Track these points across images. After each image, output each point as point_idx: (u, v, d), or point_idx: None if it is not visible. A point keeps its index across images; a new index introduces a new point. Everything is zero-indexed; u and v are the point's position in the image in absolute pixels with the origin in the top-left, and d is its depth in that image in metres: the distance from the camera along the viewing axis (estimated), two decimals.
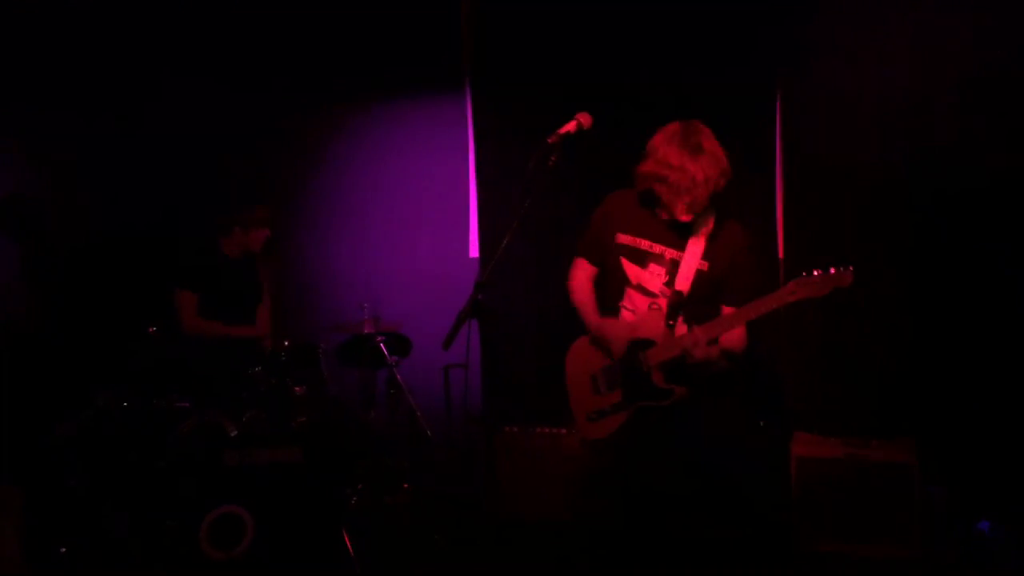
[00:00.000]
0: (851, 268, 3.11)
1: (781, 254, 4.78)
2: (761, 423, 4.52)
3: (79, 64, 5.46)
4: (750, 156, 4.80)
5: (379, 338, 4.96)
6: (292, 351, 4.61)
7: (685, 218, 3.29)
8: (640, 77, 4.90)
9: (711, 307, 3.35)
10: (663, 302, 3.37)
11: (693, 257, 3.35)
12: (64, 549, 4.14)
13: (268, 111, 5.64)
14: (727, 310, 3.32)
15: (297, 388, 4.56)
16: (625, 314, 3.45)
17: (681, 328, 3.36)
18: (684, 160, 3.22)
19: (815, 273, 3.14)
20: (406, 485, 4.85)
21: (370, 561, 4.15)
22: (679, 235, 3.37)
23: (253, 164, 5.60)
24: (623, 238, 3.44)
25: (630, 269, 3.43)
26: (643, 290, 3.42)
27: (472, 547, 4.42)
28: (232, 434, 4.25)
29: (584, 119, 3.45)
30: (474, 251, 5.39)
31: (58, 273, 5.37)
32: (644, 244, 3.41)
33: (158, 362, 4.58)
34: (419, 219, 5.55)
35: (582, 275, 3.60)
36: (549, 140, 3.41)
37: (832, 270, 3.12)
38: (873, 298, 4.61)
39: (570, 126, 3.43)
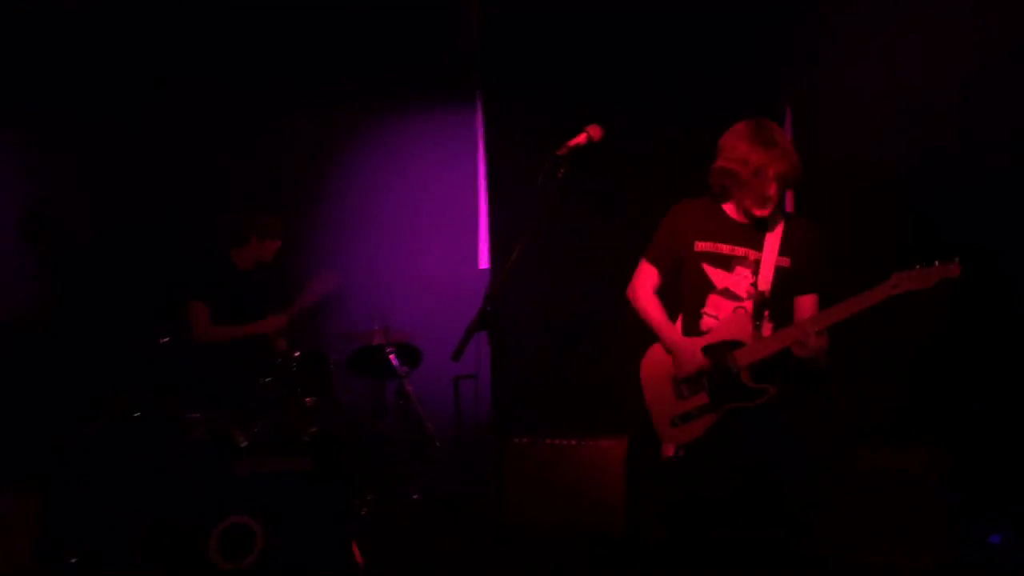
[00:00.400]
0: (956, 260, 3.09)
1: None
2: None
3: (95, 73, 5.51)
4: None
5: (389, 349, 4.98)
6: (302, 361, 4.63)
7: (761, 213, 3.31)
8: (649, 83, 4.92)
9: (788, 303, 3.39)
10: (749, 304, 3.36)
11: (771, 255, 3.36)
12: (75, 559, 4.16)
13: (280, 121, 5.67)
14: (805, 299, 3.36)
15: (307, 398, 4.58)
16: (707, 320, 3.43)
17: (767, 327, 3.36)
18: (758, 154, 3.25)
19: (916, 267, 3.14)
20: (416, 495, 4.86)
21: (379, 571, 4.15)
22: (756, 235, 3.39)
23: (265, 175, 5.64)
24: (703, 245, 3.43)
25: (715, 274, 3.42)
26: (730, 294, 3.40)
27: (481, 557, 4.42)
28: (242, 444, 4.26)
29: (594, 131, 3.46)
30: (484, 262, 5.40)
31: (73, 282, 5.41)
32: (725, 248, 3.41)
33: (170, 371, 4.60)
34: (429, 230, 5.57)
35: (649, 284, 3.54)
36: (559, 153, 3.42)
37: (936, 263, 3.11)
38: (886, 305, 4.59)
39: (580, 139, 3.44)
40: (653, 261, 3.55)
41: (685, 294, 3.49)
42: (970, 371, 4.39)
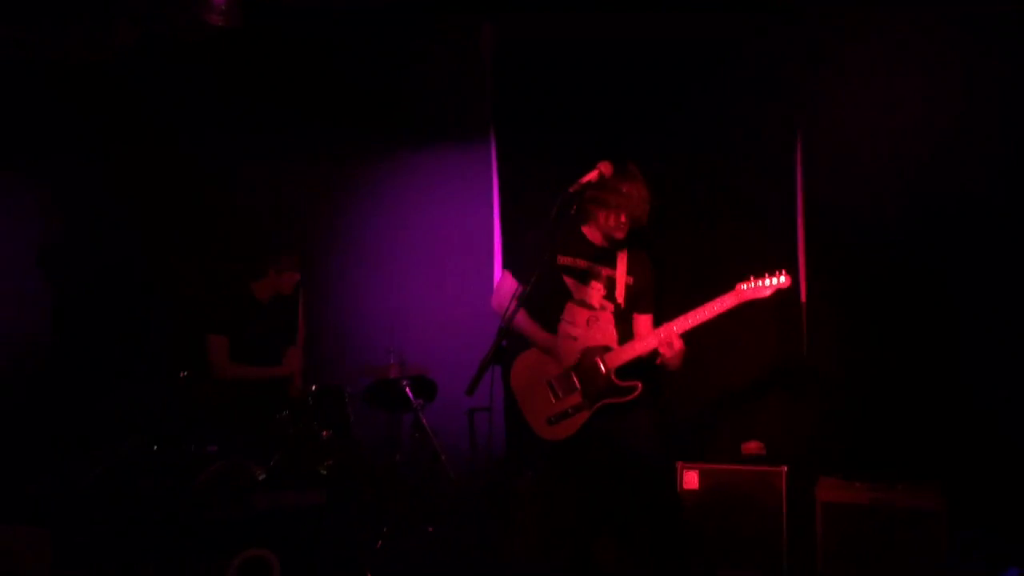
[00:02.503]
0: (784, 271, 3.70)
1: (803, 298, 4.80)
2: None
3: (113, 111, 5.63)
4: (771, 201, 4.86)
5: (404, 382, 5.01)
6: (318, 395, 4.66)
7: (620, 236, 3.80)
8: (662, 126, 4.97)
9: (632, 316, 3.89)
10: (602, 315, 3.83)
11: (622, 274, 3.86)
12: None
13: (297, 157, 5.76)
14: (643, 318, 3.90)
15: (323, 432, 4.61)
16: (564, 326, 3.84)
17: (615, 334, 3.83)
18: (627, 186, 3.69)
19: (752, 278, 3.73)
20: (430, 528, 4.87)
21: None
22: (608, 256, 3.86)
23: (284, 211, 5.71)
24: (564, 259, 3.83)
25: (572, 286, 3.84)
26: (584, 304, 3.84)
27: None
28: (260, 478, 4.29)
29: (605, 168, 3.52)
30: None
31: (92, 317, 5.48)
32: (583, 264, 3.85)
33: (187, 406, 4.64)
34: (445, 265, 5.61)
35: (510, 292, 3.79)
36: (571, 190, 3.49)
37: (767, 275, 3.71)
38: (897, 341, 4.61)
39: (592, 175, 3.50)
40: (514, 270, 3.91)
41: (543, 301, 3.84)
42: (998, 413, 4.39)
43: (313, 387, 4.67)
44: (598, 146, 4.88)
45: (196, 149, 5.79)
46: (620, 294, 3.83)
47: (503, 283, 3.95)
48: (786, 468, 4.42)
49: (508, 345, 3.90)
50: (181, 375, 4.65)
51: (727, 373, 4.93)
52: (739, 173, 4.87)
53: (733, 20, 4.83)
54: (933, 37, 4.55)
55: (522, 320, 3.85)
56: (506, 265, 4.01)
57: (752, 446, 4.67)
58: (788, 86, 4.78)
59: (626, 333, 3.84)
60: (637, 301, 3.89)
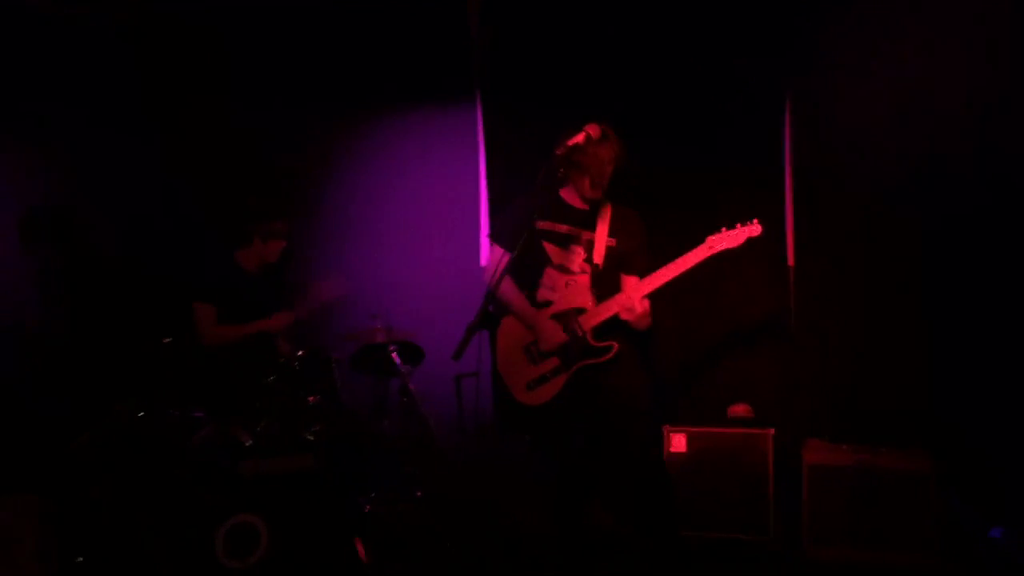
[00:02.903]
0: (756, 220, 3.68)
1: (791, 261, 4.80)
2: None
3: (96, 77, 5.54)
4: (759, 163, 4.84)
5: (391, 347, 4.99)
6: (305, 360, 4.64)
7: (595, 195, 3.78)
8: (649, 81, 4.94)
9: (615, 277, 3.86)
10: (581, 278, 3.84)
11: (602, 236, 3.83)
12: (81, 558, 4.18)
13: (279, 121, 5.70)
14: (629, 279, 3.84)
15: (310, 397, 4.59)
16: (543, 291, 3.89)
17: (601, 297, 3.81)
18: (601, 146, 3.67)
19: (723, 229, 3.69)
20: (419, 493, 4.88)
21: (383, 569, 4.17)
22: (588, 219, 3.84)
23: (267, 177, 5.66)
24: (543, 224, 3.82)
25: (552, 251, 3.85)
26: (564, 269, 3.86)
27: (484, 556, 4.44)
28: (246, 444, 4.28)
29: (593, 130, 3.49)
30: (485, 260, 5.41)
31: (78, 283, 5.43)
32: (563, 228, 3.84)
33: (173, 372, 4.62)
34: (430, 228, 5.59)
35: (498, 262, 3.80)
36: (557, 152, 3.45)
37: (738, 224, 3.68)
38: (885, 305, 4.62)
39: (578, 138, 3.48)
40: (500, 240, 3.88)
41: (523, 267, 3.83)
42: (985, 377, 4.41)
43: (300, 352, 4.65)
44: (585, 108, 4.84)
45: (176, 116, 5.72)
46: (599, 255, 3.82)
47: (492, 256, 3.93)
48: (773, 431, 4.44)
49: (495, 310, 3.90)
50: (164, 341, 4.62)
51: (715, 336, 4.95)
52: (727, 134, 4.84)
53: None
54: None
55: (507, 289, 3.85)
56: (492, 229, 3.96)
57: (740, 409, 4.68)
58: (778, 47, 4.74)
59: (607, 295, 3.81)
60: (621, 261, 3.87)
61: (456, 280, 5.38)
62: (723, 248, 3.67)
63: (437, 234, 5.57)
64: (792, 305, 4.78)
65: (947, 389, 4.46)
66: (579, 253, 3.84)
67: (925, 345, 4.53)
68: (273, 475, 4.18)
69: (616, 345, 3.76)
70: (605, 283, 3.85)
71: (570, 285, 3.84)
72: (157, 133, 5.71)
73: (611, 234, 3.84)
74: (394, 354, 4.98)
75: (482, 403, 4.72)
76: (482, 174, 5.37)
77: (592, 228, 3.84)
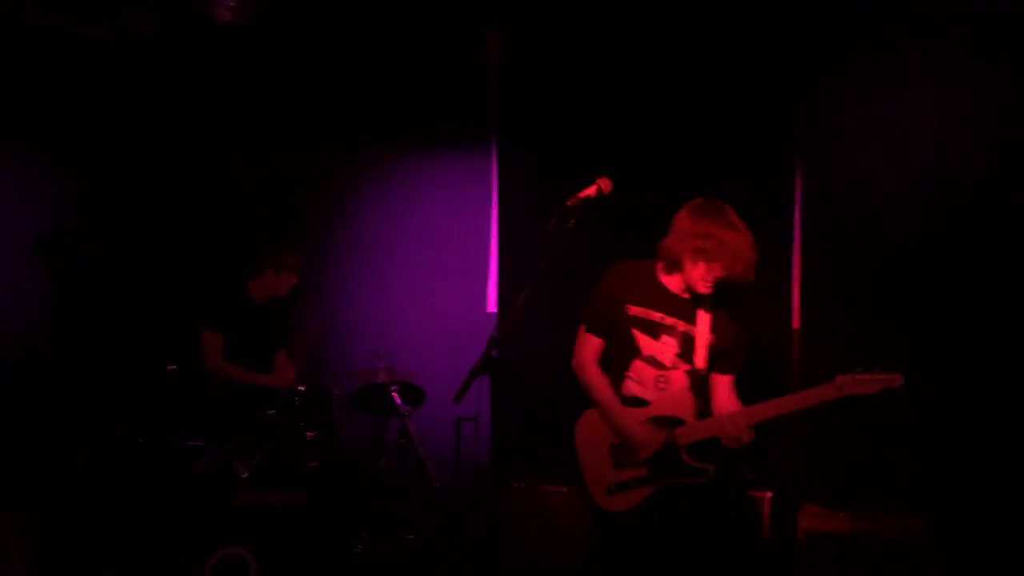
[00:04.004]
0: (900, 374, 3.24)
1: (796, 324, 4.80)
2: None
3: (117, 101, 5.62)
4: (769, 227, 4.86)
5: (392, 387, 5.00)
6: (306, 396, 4.65)
7: (706, 290, 3.39)
8: (663, 138, 4.98)
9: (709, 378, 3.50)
10: (674, 375, 3.46)
11: (704, 330, 3.46)
12: None
13: (295, 158, 5.76)
14: (723, 379, 3.47)
15: (309, 432, 4.60)
16: (630, 384, 3.51)
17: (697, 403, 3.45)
18: (725, 233, 3.35)
19: (858, 371, 3.24)
20: (411, 535, 4.85)
21: None
22: (688, 308, 3.48)
23: (280, 210, 5.71)
24: (635, 310, 3.51)
25: (642, 341, 3.50)
26: (654, 362, 3.49)
27: None
28: (243, 475, 4.28)
29: (604, 184, 3.51)
30: (492, 306, 5.42)
31: (85, 303, 5.47)
32: (656, 316, 3.49)
33: (175, 399, 4.63)
34: (439, 271, 5.61)
35: (592, 352, 3.59)
36: (569, 203, 3.48)
37: (876, 370, 3.24)
38: (886, 371, 4.61)
39: (590, 191, 3.49)
40: (591, 327, 3.59)
41: (612, 355, 3.56)
42: (986, 446, 4.39)
43: (300, 387, 4.66)
44: (599, 159, 4.90)
45: (199, 145, 5.79)
46: (701, 355, 3.45)
47: (582, 342, 3.62)
48: (771, 493, 4.41)
49: (510, 361, 3.82)
50: (169, 367, 4.64)
51: None
52: (737, 194, 4.86)
53: (736, 41, 4.84)
54: (936, 58, 4.56)
55: (599, 381, 3.53)
56: (588, 317, 3.61)
57: None
58: (790, 110, 4.79)
59: (705, 400, 3.49)
60: (719, 360, 3.50)
61: (461, 323, 5.40)
62: (853, 392, 3.23)
63: (445, 276, 5.60)
64: (795, 368, 4.78)
65: (949, 455, 4.43)
66: (671, 346, 3.47)
67: (928, 411, 4.51)
68: (267, 508, 4.17)
69: (712, 469, 3.37)
70: (704, 388, 3.50)
71: (661, 383, 3.47)
72: (176, 162, 5.77)
73: (713, 329, 3.47)
74: (395, 394, 4.99)
75: (480, 447, 4.73)
76: (494, 219, 5.41)
77: (690, 320, 3.47)
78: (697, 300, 3.48)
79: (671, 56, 4.96)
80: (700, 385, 3.48)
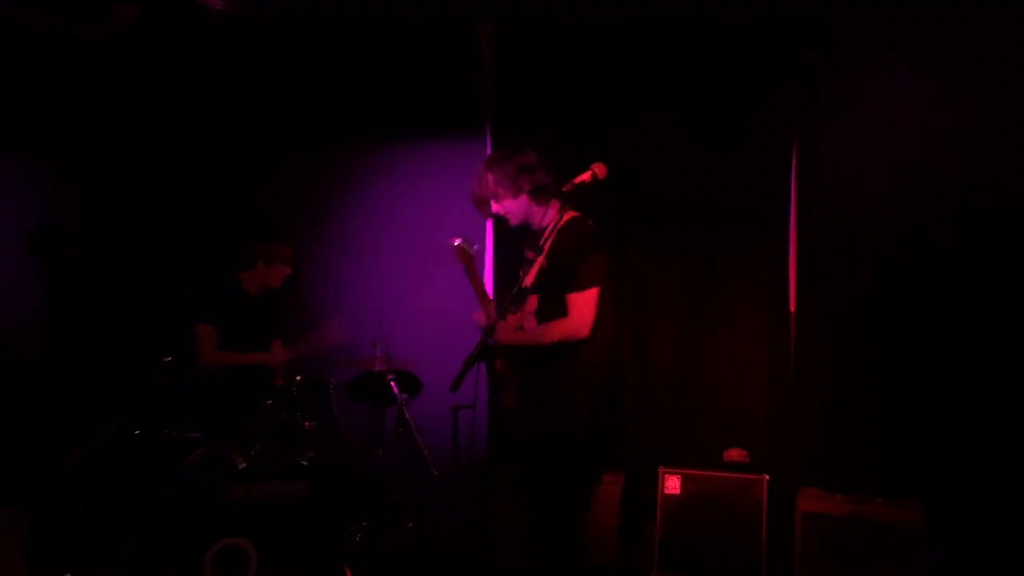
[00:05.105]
0: None
1: (792, 306, 4.81)
2: None
3: (108, 99, 5.59)
4: (765, 211, 4.87)
5: (389, 376, 5.00)
6: (303, 386, 4.65)
7: (513, 222, 3.69)
8: (657, 127, 4.98)
9: (555, 298, 3.55)
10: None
11: (540, 257, 3.60)
12: (69, 574, 4.16)
13: (288, 149, 5.74)
14: (570, 297, 3.50)
15: (307, 423, 4.60)
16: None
17: (530, 320, 3.65)
18: (482, 174, 3.70)
19: None
20: (409, 524, 4.86)
21: None
22: (539, 241, 3.62)
23: (273, 201, 5.70)
24: (526, 251, 3.76)
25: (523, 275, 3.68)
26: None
27: None
28: (240, 466, 4.28)
29: (599, 169, 3.50)
30: (490, 294, 5.41)
31: (77, 300, 5.46)
32: (526, 252, 3.74)
33: (171, 391, 4.63)
34: (434, 260, 5.58)
35: None
36: (564, 189, 3.48)
37: None
38: (885, 354, 4.62)
39: (585, 176, 3.49)
40: None
41: None
42: (978, 428, 4.41)
43: (298, 377, 4.66)
44: (592, 145, 4.90)
45: (188, 137, 5.76)
46: (530, 277, 3.65)
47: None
48: (768, 477, 4.42)
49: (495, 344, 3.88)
50: (165, 360, 4.63)
51: (712, 378, 4.94)
52: (732, 179, 4.88)
53: (734, 27, 4.84)
54: (934, 48, 4.56)
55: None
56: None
57: (735, 453, 4.67)
58: (787, 95, 4.79)
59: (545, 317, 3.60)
60: (561, 283, 3.57)
61: (457, 311, 5.37)
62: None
63: (440, 264, 5.57)
64: (792, 351, 4.79)
65: (944, 439, 4.45)
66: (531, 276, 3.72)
67: (924, 394, 4.53)
68: (265, 499, 4.17)
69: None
70: (541, 305, 3.68)
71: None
72: (164, 153, 5.74)
73: (548, 255, 3.62)
74: (392, 383, 4.99)
75: (477, 435, 4.73)
76: None
77: (540, 251, 3.64)
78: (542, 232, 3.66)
79: (666, 46, 4.95)
80: (516, 299, 3.66)
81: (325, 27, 5.50)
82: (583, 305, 3.49)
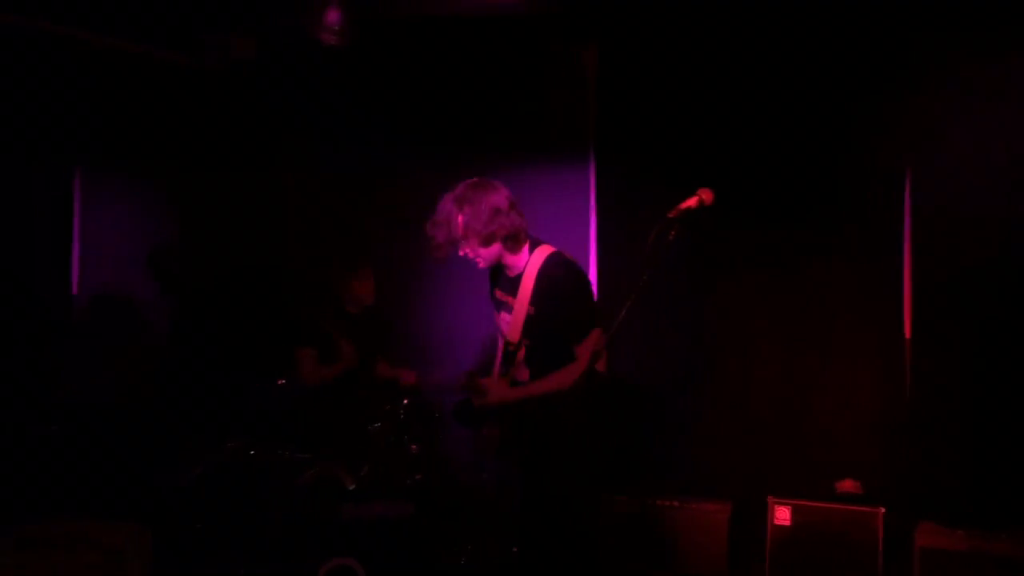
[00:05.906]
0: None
1: (908, 333, 4.66)
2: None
3: (219, 129, 5.83)
4: (878, 235, 4.74)
5: None
6: (410, 410, 4.73)
7: (482, 265, 3.52)
8: (765, 149, 4.91)
9: (558, 347, 3.44)
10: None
11: (522, 304, 3.47)
12: None
13: (398, 174, 5.86)
14: (578, 349, 3.39)
15: (413, 446, 4.67)
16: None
17: (523, 373, 3.55)
18: (450, 215, 3.47)
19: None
20: (515, 548, 4.86)
21: None
22: (515, 282, 3.51)
23: (381, 227, 5.82)
24: (497, 292, 3.64)
25: (498, 318, 3.63)
26: (503, 335, 3.60)
27: None
28: (350, 487, 4.36)
29: (706, 195, 3.46)
30: None
31: (192, 323, 5.66)
32: (499, 294, 3.61)
33: (285, 413, 4.76)
34: None
35: None
36: (669, 215, 3.45)
37: None
38: (1004, 383, 4.44)
39: (691, 202, 3.45)
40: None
41: None
42: None
43: (405, 401, 4.74)
44: (699, 172, 4.85)
45: (301, 163, 5.96)
46: (515, 329, 3.53)
47: None
48: (884, 509, 4.28)
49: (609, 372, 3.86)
50: (279, 382, 4.77)
51: (824, 406, 4.82)
52: (845, 205, 4.77)
53: (843, 51, 4.75)
54: None
55: None
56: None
57: (848, 484, 4.54)
58: (898, 120, 4.67)
59: (541, 368, 3.53)
60: (558, 332, 3.48)
61: None
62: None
63: None
64: (907, 378, 4.63)
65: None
66: (507, 321, 3.66)
67: None
68: (373, 520, 4.24)
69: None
70: (537, 357, 3.62)
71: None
72: (263, 178, 5.94)
73: (532, 301, 3.52)
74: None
75: None
76: (592, 232, 5.40)
77: (515, 293, 3.56)
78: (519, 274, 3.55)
79: (771, 66, 4.89)
80: (509, 358, 3.56)
81: (428, 57, 5.62)
82: (590, 347, 3.42)
